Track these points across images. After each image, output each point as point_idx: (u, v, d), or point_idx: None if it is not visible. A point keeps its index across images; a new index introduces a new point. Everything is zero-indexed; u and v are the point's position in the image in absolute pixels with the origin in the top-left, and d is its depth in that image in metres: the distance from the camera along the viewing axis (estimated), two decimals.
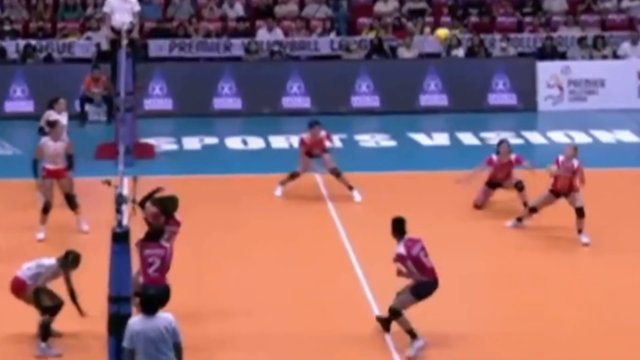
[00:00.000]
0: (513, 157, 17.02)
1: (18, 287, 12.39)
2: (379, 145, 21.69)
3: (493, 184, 17.06)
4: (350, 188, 17.54)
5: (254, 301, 13.64)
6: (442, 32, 16.29)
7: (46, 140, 16.24)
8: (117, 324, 10.59)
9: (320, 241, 15.88)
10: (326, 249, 15.57)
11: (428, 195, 17.75)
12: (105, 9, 20.44)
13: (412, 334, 12.11)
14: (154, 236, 12.34)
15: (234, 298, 13.79)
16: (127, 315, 10.59)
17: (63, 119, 17.51)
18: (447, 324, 12.78)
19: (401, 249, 12.05)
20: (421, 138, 22.08)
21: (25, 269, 12.47)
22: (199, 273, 14.59)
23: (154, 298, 9.82)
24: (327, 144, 17.81)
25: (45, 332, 12.23)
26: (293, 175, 17.81)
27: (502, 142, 17.30)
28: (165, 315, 9.77)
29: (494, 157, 17.02)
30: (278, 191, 17.80)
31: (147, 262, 12.20)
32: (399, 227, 12.21)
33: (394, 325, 12.36)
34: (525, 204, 16.60)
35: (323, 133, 17.85)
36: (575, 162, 15.83)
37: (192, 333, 11.53)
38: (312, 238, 16.00)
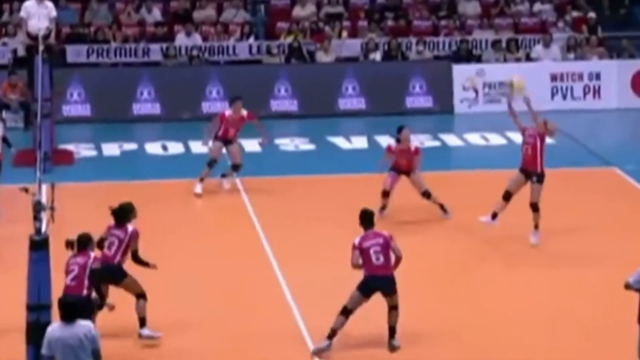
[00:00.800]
0: (413, 146, 16.81)
1: None
2: (299, 149, 21.70)
3: (398, 170, 16.75)
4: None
5: (177, 300, 13.55)
6: (519, 83, 16.03)
7: None
8: (36, 332, 10.45)
9: (240, 241, 15.88)
10: (246, 248, 15.57)
11: (347, 198, 17.78)
12: (22, 14, 20.18)
13: (331, 335, 12.17)
14: (81, 244, 12.15)
15: (159, 299, 13.68)
16: (47, 324, 10.43)
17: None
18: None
19: (356, 239, 12.29)
20: (340, 141, 22.13)
21: None
22: None
23: (73, 305, 9.73)
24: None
25: None
26: (210, 164, 17.70)
27: (401, 128, 17.00)
28: (84, 323, 9.71)
29: (393, 145, 16.89)
30: (197, 188, 17.74)
31: (68, 269, 12.04)
32: (363, 219, 12.46)
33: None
34: (442, 207, 16.66)
35: (244, 112, 17.96)
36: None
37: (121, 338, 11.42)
38: (232, 238, 16.00)
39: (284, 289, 14.08)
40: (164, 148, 21.69)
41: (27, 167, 17.69)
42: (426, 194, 16.68)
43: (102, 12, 25.79)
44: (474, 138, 22.45)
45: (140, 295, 12.54)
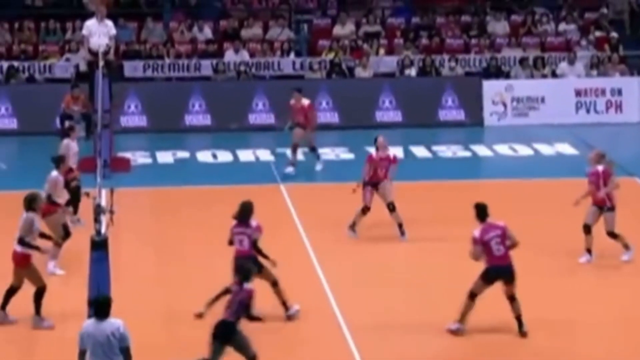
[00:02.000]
0: (392, 155, 16.24)
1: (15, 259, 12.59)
2: (339, 158, 21.70)
3: (372, 183, 15.95)
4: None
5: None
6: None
7: (58, 175, 15.05)
8: None
9: (283, 242, 15.86)
10: (289, 249, 15.56)
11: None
12: (84, 31, 20.33)
13: (461, 319, 12.20)
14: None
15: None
16: None
17: (75, 145, 17.13)
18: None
19: (475, 232, 12.19)
20: None
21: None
22: (170, 273, 14.52)
23: (105, 303, 9.73)
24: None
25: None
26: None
27: (377, 137, 16.37)
28: (114, 321, 9.62)
29: (374, 153, 16.26)
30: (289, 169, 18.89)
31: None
32: (479, 212, 12.31)
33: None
34: (399, 225, 15.82)
35: (305, 101, 19.18)
36: (600, 168, 14.91)
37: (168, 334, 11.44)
38: (276, 240, 15.98)
39: (325, 287, 14.02)
40: (214, 156, 21.77)
41: (88, 173, 17.78)
42: (391, 206, 15.85)
43: (157, 30, 25.94)
44: (503, 149, 22.35)
45: (275, 283, 12.80)
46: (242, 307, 10.73)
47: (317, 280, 14.38)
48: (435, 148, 22.17)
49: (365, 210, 15.97)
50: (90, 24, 20.13)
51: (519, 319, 12.24)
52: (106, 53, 19.84)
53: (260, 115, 24.10)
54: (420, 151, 22.11)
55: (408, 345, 12.19)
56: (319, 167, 19.93)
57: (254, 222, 12.88)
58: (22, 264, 12.63)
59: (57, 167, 15.24)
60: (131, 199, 17.14)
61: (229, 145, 22.26)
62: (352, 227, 15.99)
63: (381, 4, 27.61)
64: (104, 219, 11.25)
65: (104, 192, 12.20)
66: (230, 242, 12.91)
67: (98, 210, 11.16)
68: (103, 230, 11.08)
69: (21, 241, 12.62)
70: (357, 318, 12.77)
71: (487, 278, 12.17)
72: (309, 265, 14.96)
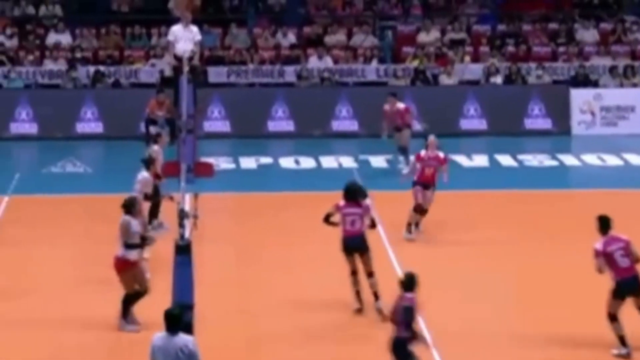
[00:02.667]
0: (441, 155, 16.31)
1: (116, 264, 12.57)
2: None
3: (423, 184, 16.04)
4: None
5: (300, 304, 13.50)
6: None
7: (149, 176, 15.47)
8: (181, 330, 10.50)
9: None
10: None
11: (469, 213, 17.60)
12: (169, 37, 20.49)
13: (622, 341, 11.85)
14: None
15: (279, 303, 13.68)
16: (189, 323, 10.51)
17: (160, 153, 17.36)
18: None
19: (597, 245, 11.95)
20: (462, 159, 21.93)
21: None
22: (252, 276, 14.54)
23: (177, 318, 9.72)
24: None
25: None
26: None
27: (428, 135, 16.75)
28: (184, 337, 9.60)
29: (423, 152, 16.25)
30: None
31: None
32: (602, 224, 12.07)
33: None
34: (416, 224, 15.94)
35: (401, 105, 19.59)
36: None
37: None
38: None
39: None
40: (297, 162, 21.79)
41: (172, 177, 17.91)
42: (425, 212, 16.01)
43: (241, 36, 26.07)
44: (591, 159, 21.98)
45: (371, 274, 13.03)
46: (409, 314, 10.52)
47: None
48: (521, 157, 21.90)
49: (417, 208, 16.00)
50: (176, 29, 20.30)
51: None
52: (191, 59, 19.96)
53: (344, 122, 24.07)
54: (505, 160, 21.86)
55: (492, 354, 12.01)
56: (405, 170, 19.77)
57: (364, 203, 13.20)
58: (125, 268, 12.65)
59: (148, 169, 15.39)
60: (214, 203, 17.19)
61: (312, 152, 22.27)
62: (408, 228, 16.05)
63: (467, 10, 27.40)
64: (188, 223, 11.26)
65: (187, 196, 12.25)
66: (327, 219, 13.26)
67: (182, 215, 11.19)
68: (187, 234, 11.10)
69: (126, 245, 12.62)
70: (440, 325, 12.64)
71: (619, 294, 11.82)
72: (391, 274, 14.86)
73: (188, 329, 10.08)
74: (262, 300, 13.92)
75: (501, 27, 26.65)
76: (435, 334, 12.22)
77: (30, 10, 26.22)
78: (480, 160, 21.84)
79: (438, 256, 15.58)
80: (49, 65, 24.56)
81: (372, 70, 25.16)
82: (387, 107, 20.23)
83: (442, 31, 26.31)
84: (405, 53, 25.85)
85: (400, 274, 14.42)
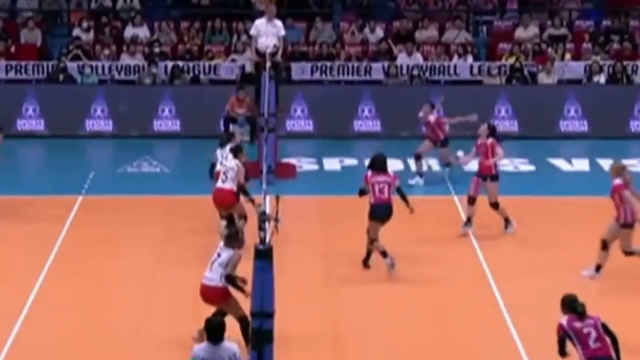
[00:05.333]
0: (489, 142, 16.75)
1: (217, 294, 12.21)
2: (518, 170, 21.26)
3: (480, 175, 16.71)
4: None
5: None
6: None
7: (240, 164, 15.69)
8: (259, 338, 10.50)
9: (456, 254, 15.64)
10: (462, 263, 15.33)
11: (568, 221, 17.31)
12: (252, 31, 20.50)
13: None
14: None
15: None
16: (269, 331, 10.49)
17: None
18: None
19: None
20: (561, 163, 21.60)
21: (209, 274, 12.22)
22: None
23: (219, 327, 9.68)
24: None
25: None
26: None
27: (483, 122, 17.52)
28: (229, 345, 9.64)
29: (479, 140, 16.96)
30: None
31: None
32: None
33: None
34: (505, 219, 16.55)
35: (432, 117, 19.64)
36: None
37: None
38: (448, 250, 15.79)
39: (500, 304, 13.79)
40: None
41: (252, 179, 17.95)
42: (494, 205, 16.56)
43: (326, 31, 26.04)
44: None
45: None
46: None
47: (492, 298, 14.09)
48: (625, 162, 21.38)
49: (469, 199, 16.55)
50: (259, 23, 20.30)
51: None
52: (273, 54, 19.97)
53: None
54: (608, 164, 21.36)
55: None
56: (412, 181, 19.53)
57: (391, 172, 15.20)
58: (227, 297, 12.30)
59: (236, 156, 15.71)
60: (296, 206, 17.17)
61: (400, 153, 22.09)
62: (467, 221, 16.58)
63: (568, 5, 26.99)
64: (269, 227, 11.22)
65: (268, 199, 12.23)
66: (362, 192, 14.94)
67: (262, 218, 11.15)
68: (267, 238, 11.05)
69: (228, 278, 12.21)
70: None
71: None
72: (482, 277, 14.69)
73: (268, 337, 10.05)
74: (346, 309, 13.84)
75: (605, 23, 26.18)
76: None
77: (108, 3, 26.53)
78: (581, 165, 21.49)
79: (532, 262, 15.34)
80: (125, 60, 24.80)
81: (465, 68, 24.91)
82: (420, 114, 20.20)
83: (541, 27, 25.94)
84: (501, 50, 25.54)
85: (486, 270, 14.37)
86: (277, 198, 11.60)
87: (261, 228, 11.08)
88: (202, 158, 21.33)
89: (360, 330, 13.25)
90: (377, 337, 13.01)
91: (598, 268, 14.81)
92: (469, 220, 16.70)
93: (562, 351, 10.76)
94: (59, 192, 18.98)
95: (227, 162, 15.88)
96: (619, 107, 23.71)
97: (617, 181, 14.65)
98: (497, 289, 14.51)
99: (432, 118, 19.89)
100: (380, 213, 14.90)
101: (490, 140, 16.78)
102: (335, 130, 23.67)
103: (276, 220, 11.48)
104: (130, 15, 26.07)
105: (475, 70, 24.87)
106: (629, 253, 14.67)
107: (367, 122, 23.99)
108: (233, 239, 12.42)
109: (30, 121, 23.73)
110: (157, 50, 25.05)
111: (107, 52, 24.86)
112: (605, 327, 10.71)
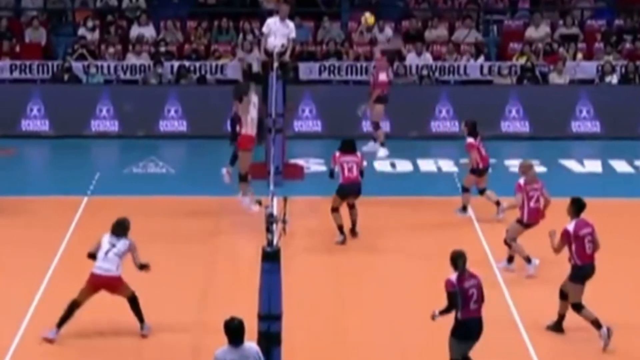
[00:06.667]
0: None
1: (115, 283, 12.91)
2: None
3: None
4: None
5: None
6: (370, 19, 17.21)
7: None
8: (266, 341, 10.55)
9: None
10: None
11: None
12: (264, 29, 20.52)
13: (597, 324, 12.82)
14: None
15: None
16: (277, 333, 10.55)
17: None
18: None
19: (570, 226, 13.02)
20: (573, 165, 21.63)
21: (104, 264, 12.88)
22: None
23: (240, 328, 9.75)
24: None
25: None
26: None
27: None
28: (251, 345, 9.72)
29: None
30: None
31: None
32: (575, 207, 13.23)
33: None
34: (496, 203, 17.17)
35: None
36: None
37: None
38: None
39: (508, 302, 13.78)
40: (392, 166, 21.70)
41: (259, 180, 18.02)
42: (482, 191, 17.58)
43: (334, 30, 26.08)
44: None
45: (353, 206, 16.28)
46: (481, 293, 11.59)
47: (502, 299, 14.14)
48: (638, 163, 21.51)
49: (464, 189, 17.67)
50: (272, 22, 20.31)
51: None
52: (281, 54, 20.01)
53: (444, 122, 23.89)
54: (621, 166, 21.49)
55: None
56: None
57: (359, 152, 16.63)
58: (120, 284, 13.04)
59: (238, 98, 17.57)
60: (304, 208, 17.23)
61: (409, 155, 22.16)
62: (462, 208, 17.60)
63: (580, 4, 27.00)
64: (276, 228, 11.28)
65: (276, 200, 12.27)
66: (332, 174, 16.51)
67: (270, 220, 11.21)
68: (275, 240, 11.11)
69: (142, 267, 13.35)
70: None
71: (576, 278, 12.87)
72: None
73: (276, 339, 10.11)
74: (354, 311, 13.89)
75: (618, 22, 26.19)
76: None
77: (113, 1, 26.60)
78: (593, 166, 21.50)
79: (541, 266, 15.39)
80: (131, 59, 24.87)
81: (475, 68, 24.94)
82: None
83: (552, 26, 25.96)
84: (512, 49, 25.57)
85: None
86: (285, 200, 11.66)
87: (269, 230, 11.14)
88: (208, 158, 21.44)
89: (367, 332, 13.30)
90: (385, 339, 13.05)
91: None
92: (464, 207, 17.57)
93: (455, 306, 11.37)
94: (65, 193, 19.06)
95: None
96: (632, 108, 23.70)
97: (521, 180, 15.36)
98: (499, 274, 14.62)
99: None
100: (348, 190, 16.46)
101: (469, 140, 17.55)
102: (343, 131, 23.58)
103: (284, 222, 11.54)
104: (136, 14, 26.14)
105: (486, 70, 24.89)
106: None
107: None
108: (122, 227, 13.12)
109: (35, 121, 23.81)
110: (163, 49, 25.12)
111: (112, 51, 24.93)
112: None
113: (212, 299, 14.30)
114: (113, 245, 12.92)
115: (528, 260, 15.25)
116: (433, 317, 11.47)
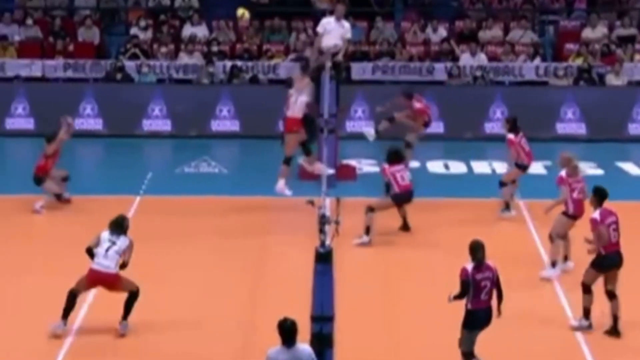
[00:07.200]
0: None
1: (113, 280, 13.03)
2: (585, 174, 21.03)
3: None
4: None
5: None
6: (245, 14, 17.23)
7: None
8: (319, 342, 10.54)
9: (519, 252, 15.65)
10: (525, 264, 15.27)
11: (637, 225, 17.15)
12: (319, 29, 20.47)
13: (586, 314, 13.19)
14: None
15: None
16: (329, 335, 10.53)
17: None
18: None
19: (596, 214, 13.20)
20: (630, 167, 21.41)
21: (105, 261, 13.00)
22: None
23: (293, 329, 9.76)
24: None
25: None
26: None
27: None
28: (304, 347, 9.76)
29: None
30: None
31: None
32: (597, 197, 13.36)
33: None
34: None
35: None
36: None
37: None
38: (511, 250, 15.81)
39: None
40: (446, 167, 21.62)
41: (311, 181, 18.03)
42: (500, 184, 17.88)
43: (387, 30, 26.02)
44: None
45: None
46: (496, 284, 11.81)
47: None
48: None
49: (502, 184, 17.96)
50: (327, 22, 20.28)
51: None
52: (335, 54, 19.98)
53: (498, 123, 23.71)
54: None
55: None
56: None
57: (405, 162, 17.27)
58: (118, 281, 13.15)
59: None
60: (356, 208, 17.18)
61: (463, 156, 22.06)
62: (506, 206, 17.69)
63: (638, 4, 26.72)
64: (329, 229, 11.26)
65: (328, 201, 12.26)
66: (388, 186, 16.79)
67: (323, 221, 11.19)
68: (328, 241, 11.09)
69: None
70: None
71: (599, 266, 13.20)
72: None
73: (328, 341, 10.09)
74: (406, 312, 13.84)
75: None
76: None
77: (166, 1, 26.74)
78: None
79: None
80: (183, 59, 24.98)
81: (530, 69, 24.77)
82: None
83: (610, 27, 25.72)
84: (568, 50, 25.37)
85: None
86: (338, 200, 11.62)
87: (321, 231, 11.12)
88: (260, 158, 21.46)
89: (420, 333, 13.23)
90: (437, 338, 12.97)
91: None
92: (507, 206, 17.73)
93: (466, 294, 11.62)
94: (117, 192, 19.16)
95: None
96: None
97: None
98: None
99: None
100: (404, 198, 16.88)
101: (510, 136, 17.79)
102: (396, 132, 23.58)
103: (336, 222, 11.51)
104: (189, 13, 26.25)
105: (542, 71, 24.71)
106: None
107: None
108: (121, 226, 13.22)
109: (89, 120, 23.99)
110: (215, 49, 25.20)
111: (164, 50, 25.05)
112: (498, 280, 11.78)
113: (263, 298, 14.32)
114: (113, 243, 13.09)
115: (553, 264, 15.18)
116: (449, 300, 11.76)
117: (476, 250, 11.75)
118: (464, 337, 11.74)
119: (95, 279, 13.02)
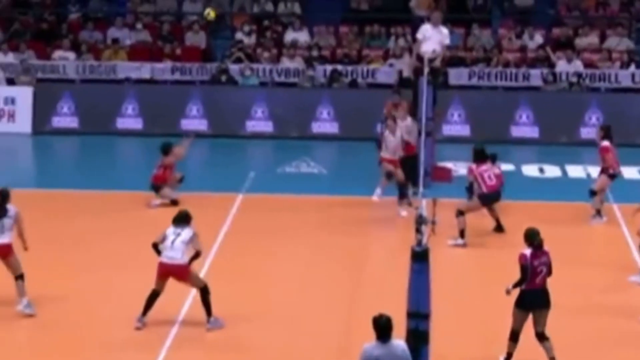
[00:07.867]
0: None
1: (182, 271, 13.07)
2: None
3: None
4: None
5: None
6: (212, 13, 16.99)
7: None
8: (414, 339, 10.50)
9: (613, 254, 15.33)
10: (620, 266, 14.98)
11: None
12: (418, 35, 20.41)
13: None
14: None
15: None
16: (425, 332, 10.49)
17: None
18: None
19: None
20: None
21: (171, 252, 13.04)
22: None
23: (389, 325, 9.80)
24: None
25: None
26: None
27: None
28: (398, 342, 9.75)
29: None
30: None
31: None
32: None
33: None
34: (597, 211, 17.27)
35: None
36: None
37: None
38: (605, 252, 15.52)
39: None
40: (541, 171, 21.39)
41: (442, 182, 18.07)
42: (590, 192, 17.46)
43: (484, 36, 25.84)
44: None
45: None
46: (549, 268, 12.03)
47: None
48: None
49: (593, 193, 17.58)
50: (426, 28, 20.23)
51: None
52: (432, 60, 19.90)
53: (593, 129, 23.33)
54: None
55: None
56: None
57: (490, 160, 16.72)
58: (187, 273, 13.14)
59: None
60: (452, 209, 17.09)
61: (558, 160, 21.80)
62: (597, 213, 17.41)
63: None
64: (426, 229, 11.22)
65: (425, 201, 12.23)
66: (471, 188, 16.45)
67: (420, 221, 11.16)
68: (424, 241, 11.06)
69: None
70: None
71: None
72: None
73: (424, 338, 10.05)
74: (500, 310, 13.71)
75: None
76: None
77: (269, 7, 26.93)
78: None
79: None
80: (285, 63, 25.13)
81: (626, 76, 24.37)
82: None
83: None
84: None
85: None
86: (434, 201, 11.59)
87: (418, 230, 11.09)
88: (358, 159, 21.48)
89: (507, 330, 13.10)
90: (534, 338, 12.84)
91: None
92: (598, 212, 17.43)
93: (526, 279, 11.81)
94: (221, 190, 19.35)
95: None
96: None
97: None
98: None
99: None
100: (493, 198, 16.62)
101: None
102: (491, 136, 23.39)
103: (433, 222, 11.47)
104: (291, 19, 26.40)
105: (638, 78, 24.30)
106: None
107: (524, 127, 23.73)
108: (185, 218, 13.26)
109: (194, 121, 24.27)
110: (316, 54, 25.30)
111: (267, 55, 25.23)
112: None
113: (360, 294, 14.32)
114: (178, 235, 13.17)
115: None
116: (507, 292, 11.89)
117: (532, 237, 12.01)
118: (515, 316, 11.99)
119: (165, 271, 13.15)
